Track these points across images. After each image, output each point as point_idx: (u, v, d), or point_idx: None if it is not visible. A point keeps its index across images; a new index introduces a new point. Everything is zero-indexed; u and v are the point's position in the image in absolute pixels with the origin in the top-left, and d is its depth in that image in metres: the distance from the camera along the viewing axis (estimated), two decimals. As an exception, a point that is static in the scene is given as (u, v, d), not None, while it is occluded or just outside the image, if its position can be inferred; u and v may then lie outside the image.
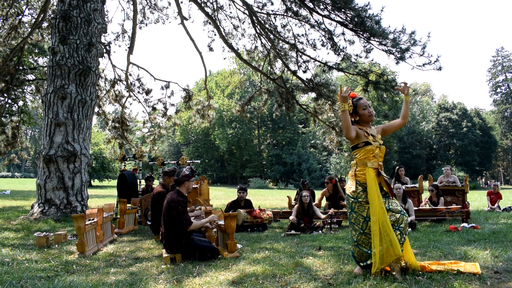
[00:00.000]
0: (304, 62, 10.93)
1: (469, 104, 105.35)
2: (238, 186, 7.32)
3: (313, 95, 11.43)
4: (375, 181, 3.16)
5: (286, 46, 11.19)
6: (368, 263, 3.17)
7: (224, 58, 24.60)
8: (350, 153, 3.41)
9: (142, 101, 13.05)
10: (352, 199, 3.26)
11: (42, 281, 3.17)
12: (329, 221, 6.57)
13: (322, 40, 10.03)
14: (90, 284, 3.07)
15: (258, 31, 11.44)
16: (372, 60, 10.59)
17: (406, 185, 8.47)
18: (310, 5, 9.53)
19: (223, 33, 11.94)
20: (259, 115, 44.95)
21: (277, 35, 11.10)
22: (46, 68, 10.58)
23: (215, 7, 12.20)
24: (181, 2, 14.26)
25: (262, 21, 11.05)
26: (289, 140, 47.20)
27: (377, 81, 9.75)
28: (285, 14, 10.54)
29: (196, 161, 9.73)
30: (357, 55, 9.71)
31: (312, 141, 49.49)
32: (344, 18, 9.12)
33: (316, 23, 9.86)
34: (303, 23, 10.31)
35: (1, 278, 3.20)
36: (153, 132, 14.18)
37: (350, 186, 3.32)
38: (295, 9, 10.13)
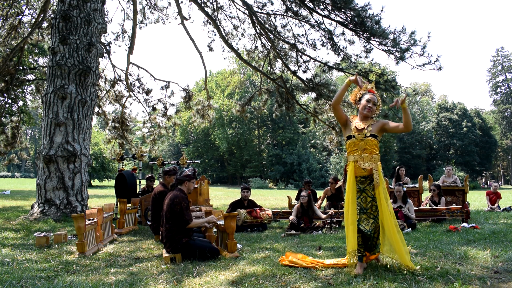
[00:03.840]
0: (304, 62, 10.93)
1: (469, 104, 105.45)
2: (242, 185, 7.25)
3: (313, 95, 11.43)
4: (353, 176, 3.36)
5: (286, 46, 11.18)
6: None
7: (224, 58, 24.59)
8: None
9: (142, 101, 13.05)
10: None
11: (42, 281, 3.17)
12: (329, 221, 6.56)
13: (322, 40, 10.03)
14: (90, 284, 3.07)
15: (258, 31, 11.43)
16: (372, 60, 10.59)
17: (406, 185, 8.47)
18: (310, 5, 9.52)
19: (223, 33, 11.93)
20: (259, 115, 44.94)
21: (277, 35, 11.09)
22: (46, 68, 10.58)
23: (215, 7, 12.20)
24: (181, 2, 14.27)
25: (262, 21, 11.04)
26: (289, 140, 47.19)
27: (377, 81, 9.74)
28: (285, 14, 10.54)
29: (196, 161, 9.73)
30: (357, 55, 9.71)
31: (312, 141, 49.47)
32: (344, 18, 9.12)
33: (316, 23, 9.86)
34: (303, 23, 10.31)
35: (1, 278, 3.20)
36: (153, 132, 14.18)
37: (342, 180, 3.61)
38: (295, 9, 10.13)
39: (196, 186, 7.81)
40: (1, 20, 12.69)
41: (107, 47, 12.63)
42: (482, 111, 59.86)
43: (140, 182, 8.43)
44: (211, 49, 12.79)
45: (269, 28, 11.18)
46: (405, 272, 3.14)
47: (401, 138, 47.88)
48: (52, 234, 5.35)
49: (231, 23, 12.58)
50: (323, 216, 6.52)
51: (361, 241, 3.36)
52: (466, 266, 3.42)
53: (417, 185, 8.49)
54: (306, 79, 10.99)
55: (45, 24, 12.64)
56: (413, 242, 4.87)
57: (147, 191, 8.13)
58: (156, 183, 9.27)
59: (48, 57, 8.73)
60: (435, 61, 8.31)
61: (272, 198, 18.81)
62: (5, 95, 13.86)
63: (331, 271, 3.38)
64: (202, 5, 11.85)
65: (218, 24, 12.02)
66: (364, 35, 8.96)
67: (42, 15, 11.38)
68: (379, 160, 3.41)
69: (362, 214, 3.34)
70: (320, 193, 8.96)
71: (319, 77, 10.69)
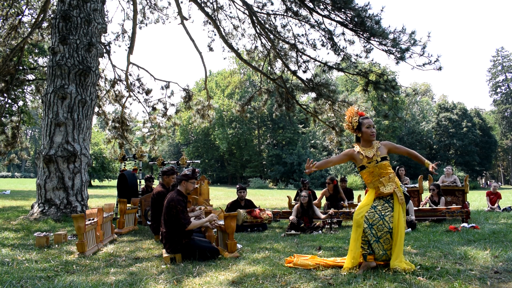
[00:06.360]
0: (304, 62, 10.92)
1: (469, 104, 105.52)
2: (238, 186, 7.26)
3: (313, 95, 11.43)
4: (371, 199, 3.50)
5: (286, 46, 11.18)
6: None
7: (224, 58, 24.64)
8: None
9: (142, 101, 13.06)
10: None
11: (42, 281, 3.17)
12: (329, 221, 6.56)
13: (322, 40, 10.03)
14: (90, 284, 3.07)
15: (258, 31, 11.43)
16: (372, 60, 10.58)
17: (407, 185, 8.46)
18: (310, 5, 9.52)
19: (223, 33, 11.93)
20: (259, 115, 44.95)
21: (277, 35, 11.09)
22: (46, 68, 10.58)
23: (215, 7, 12.20)
24: (181, 2, 14.25)
25: (262, 21, 11.04)
26: (289, 140, 47.16)
27: (377, 81, 9.74)
28: (285, 14, 10.54)
29: (196, 161, 9.72)
30: (357, 55, 9.71)
31: (312, 141, 49.47)
32: (344, 18, 9.12)
33: (316, 23, 9.86)
34: (303, 23, 10.31)
35: (1, 278, 3.20)
36: (153, 132, 14.18)
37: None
38: (295, 9, 10.13)
39: (196, 186, 7.80)
40: (1, 20, 12.68)
41: (107, 47, 12.63)
42: (482, 111, 59.82)
43: (140, 182, 8.43)
44: (211, 49, 12.80)
45: (269, 28, 11.18)
46: (405, 272, 3.14)
47: (401, 138, 47.89)
48: (52, 234, 5.35)
49: (231, 23, 12.59)
50: (323, 216, 6.52)
51: (366, 241, 3.38)
52: (466, 266, 3.42)
53: (417, 185, 8.49)
54: (306, 79, 10.99)
55: (45, 24, 12.64)
56: (413, 242, 4.86)
57: (146, 191, 8.13)
58: (156, 183, 9.26)
59: (48, 57, 8.73)
60: (435, 61, 8.31)
61: (272, 198, 18.81)
62: (5, 95, 13.86)
63: (331, 271, 3.38)
64: (202, 5, 11.85)
65: (218, 24, 12.02)
66: (364, 35, 8.96)
67: (42, 15, 11.38)
68: (395, 176, 3.52)
69: (379, 220, 3.36)
70: (319, 193, 8.97)
71: (319, 77, 10.68)
